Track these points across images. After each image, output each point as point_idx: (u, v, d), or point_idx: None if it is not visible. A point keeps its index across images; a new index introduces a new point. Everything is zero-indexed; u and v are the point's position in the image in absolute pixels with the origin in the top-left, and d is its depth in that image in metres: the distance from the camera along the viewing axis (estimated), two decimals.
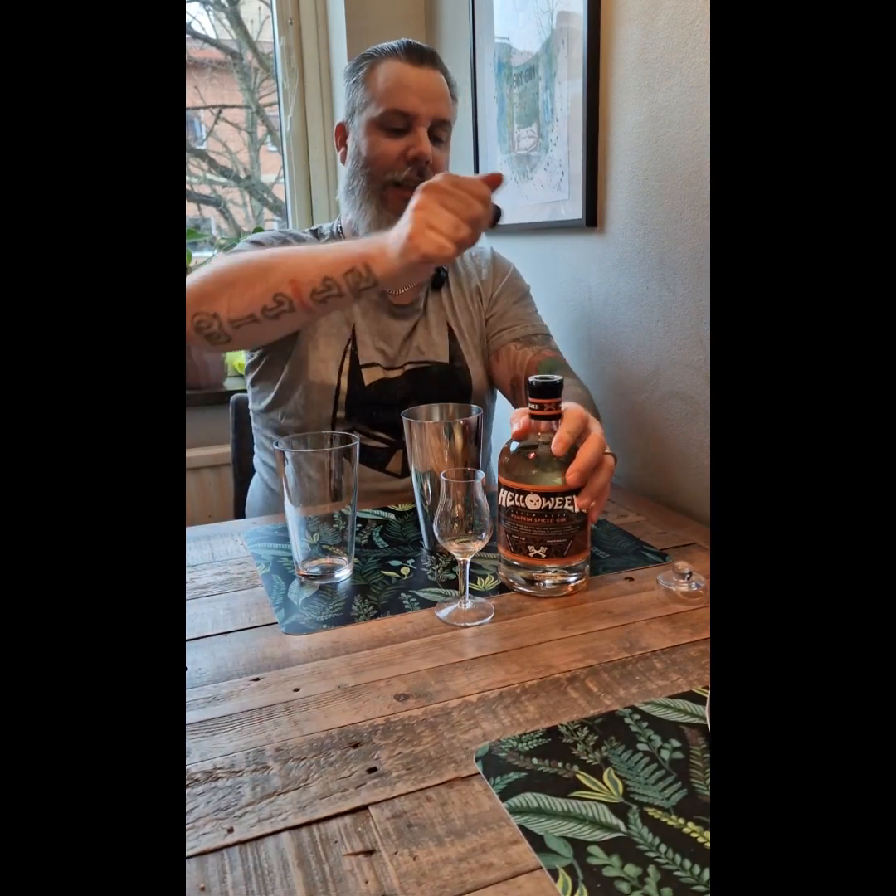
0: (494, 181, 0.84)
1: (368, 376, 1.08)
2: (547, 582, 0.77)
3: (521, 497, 0.75)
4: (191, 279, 0.90)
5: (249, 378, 1.16)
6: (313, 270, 0.85)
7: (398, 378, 1.09)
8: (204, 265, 0.95)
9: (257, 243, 1.08)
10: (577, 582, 0.78)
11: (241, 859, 0.45)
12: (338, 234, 1.15)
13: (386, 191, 1.04)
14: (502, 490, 0.77)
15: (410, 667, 0.65)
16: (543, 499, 0.74)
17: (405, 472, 1.09)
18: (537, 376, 0.76)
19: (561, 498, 0.74)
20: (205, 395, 1.82)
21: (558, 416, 0.76)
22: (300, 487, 0.78)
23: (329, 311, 0.94)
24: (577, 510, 0.74)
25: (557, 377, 0.75)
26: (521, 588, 0.78)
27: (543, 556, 0.75)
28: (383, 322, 1.10)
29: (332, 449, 0.79)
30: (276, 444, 0.79)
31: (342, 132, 1.10)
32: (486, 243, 1.24)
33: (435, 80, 1.04)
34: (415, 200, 0.81)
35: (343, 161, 1.11)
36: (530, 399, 0.76)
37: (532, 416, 0.76)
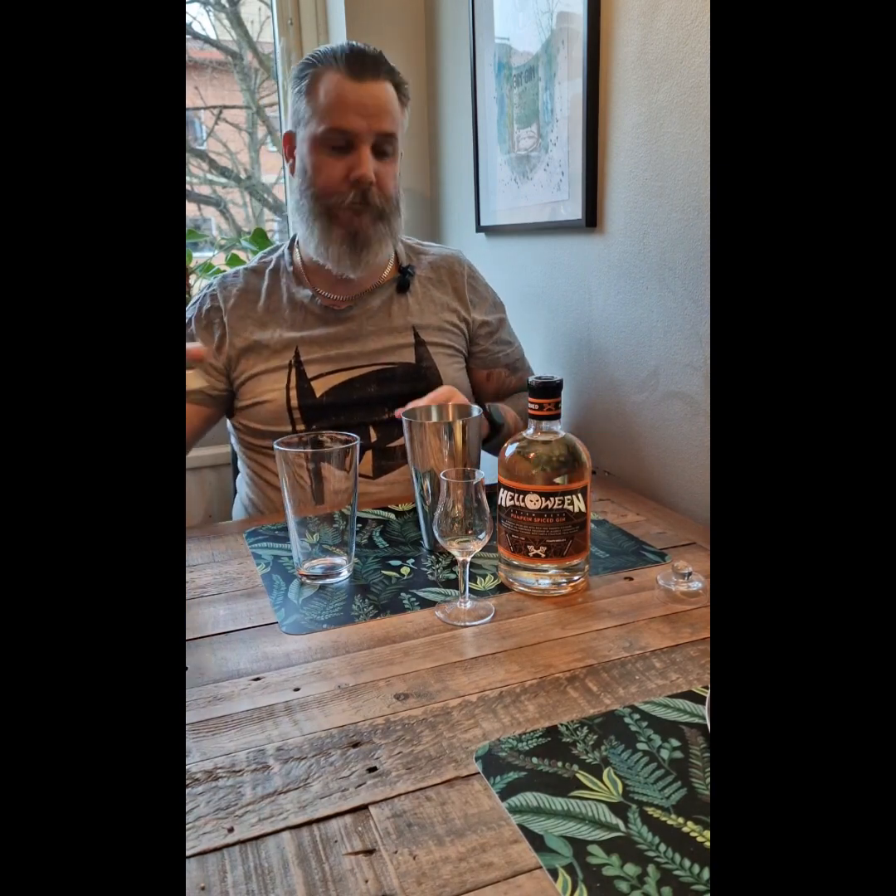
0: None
1: (320, 386, 1.09)
2: (547, 581, 0.77)
3: (521, 497, 0.75)
4: None
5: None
6: None
7: (357, 379, 1.10)
8: None
9: (212, 297, 1.13)
10: (577, 582, 0.78)
11: (241, 859, 0.45)
12: (291, 249, 1.17)
13: (333, 210, 1.04)
14: (502, 490, 0.77)
15: (410, 666, 0.65)
16: (543, 498, 0.74)
17: (378, 473, 1.09)
18: (536, 377, 0.76)
19: (561, 498, 0.74)
20: None
21: (557, 416, 0.76)
22: (299, 488, 0.78)
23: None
24: (577, 510, 0.75)
25: (557, 378, 0.75)
26: (520, 588, 0.78)
27: (543, 555, 0.76)
28: (326, 329, 1.11)
29: (332, 449, 0.80)
30: (276, 445, 0.79)
31: (290, 142, 1.09)
32: (457, 248, 1.26)
33: (378, 93, 1.01)
34: None
35: (292, 172, 1.10)
36: (530, 399, 0.76)
37: (531, 416, 0.77)
